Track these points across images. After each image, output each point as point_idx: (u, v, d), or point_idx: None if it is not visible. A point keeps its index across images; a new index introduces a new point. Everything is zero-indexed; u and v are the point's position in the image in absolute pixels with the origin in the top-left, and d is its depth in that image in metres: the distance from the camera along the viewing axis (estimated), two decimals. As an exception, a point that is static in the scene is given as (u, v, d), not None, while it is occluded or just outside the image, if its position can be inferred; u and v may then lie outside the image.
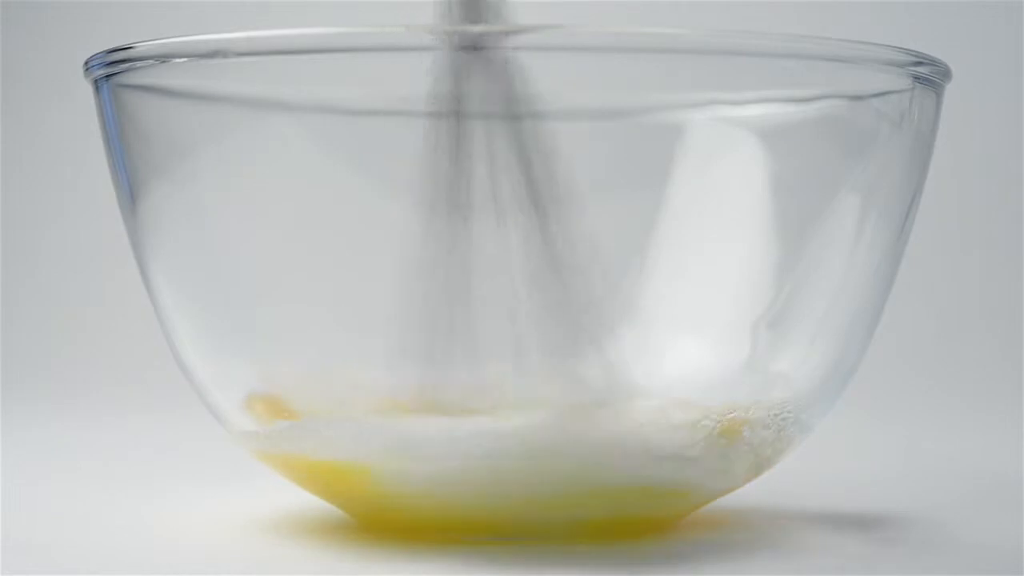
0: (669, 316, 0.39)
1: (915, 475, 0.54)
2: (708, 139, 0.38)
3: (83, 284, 0.84)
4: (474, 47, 0.38)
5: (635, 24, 0.39)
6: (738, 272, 0.39)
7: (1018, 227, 0.79)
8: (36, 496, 0.49)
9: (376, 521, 0.41)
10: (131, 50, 0.39)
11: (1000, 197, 0.80)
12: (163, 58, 0.38)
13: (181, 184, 0.40)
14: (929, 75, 0.40)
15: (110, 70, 0.40)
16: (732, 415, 0.39)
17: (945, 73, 0.40)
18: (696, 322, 0.39)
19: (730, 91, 0.39)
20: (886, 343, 0.49)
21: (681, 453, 0.38)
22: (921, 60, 0.39)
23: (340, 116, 0.40)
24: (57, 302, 0.84)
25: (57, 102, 0.85)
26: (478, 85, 0.38)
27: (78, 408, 0.71)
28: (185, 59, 0.38)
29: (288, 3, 0.77)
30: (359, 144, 0.39)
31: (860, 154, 0.40)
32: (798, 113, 0.39)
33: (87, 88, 0.42)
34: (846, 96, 0.40)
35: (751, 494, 0.43)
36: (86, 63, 0.41)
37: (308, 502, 0.44)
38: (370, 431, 0.38)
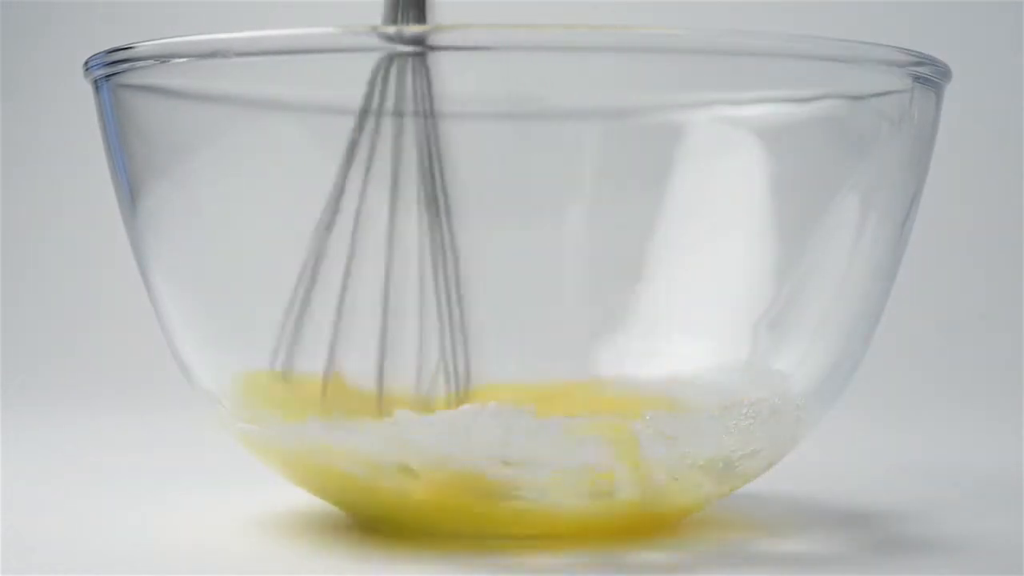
0: (668, 317, 0.39)
1: (914, 474, 0.54)
2: (708, 139, 0.38)
3: (83, 284, 0.84)
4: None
5: (635, 24, 0.39)
6: (738, 272, 0.39)
7: (1018, 227, 0.79)
8: (36, 496, 0.49)
9: (372, 519, 0.41)
10: (131, 50, 0.39)
11: (1000, 197, 0.80)
12: (163, 58, 0.38)
13: (181, 184, 0.40)
14: (929, 75, 0.40)
15: (110, 70, 0.40)
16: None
17: (945, 73, 0.40)
18: (696, 323, 0.39)
19: (730, 91, 0.39)
20: (886, 343, 0.49)
21: None
22: (921, 60, 0.39)
23: (339, 116, 0.40)
24: (57, 302, 0.84)
25: (57, 102, 0.85)
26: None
27: (77, 408, 0.71)
28: (185, 59, 0.38)
29: (287, 3, 0.77)
30: (359, 143, 0.39)
31: (860, 154, 0.40)
32: (798, 113, 0.39)
33: (87, 88, 0.42)
34: (846, 96, 0.40)
35: (751, 494, 0.43)
36: (86, 63, 0.41)
37: (308, 502, 0.44)
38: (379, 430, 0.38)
